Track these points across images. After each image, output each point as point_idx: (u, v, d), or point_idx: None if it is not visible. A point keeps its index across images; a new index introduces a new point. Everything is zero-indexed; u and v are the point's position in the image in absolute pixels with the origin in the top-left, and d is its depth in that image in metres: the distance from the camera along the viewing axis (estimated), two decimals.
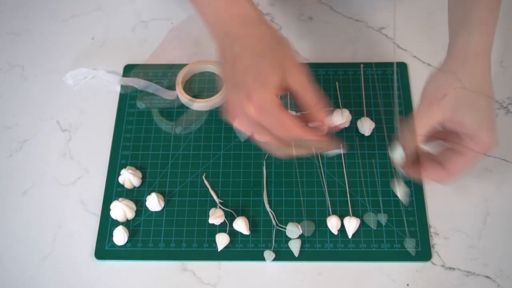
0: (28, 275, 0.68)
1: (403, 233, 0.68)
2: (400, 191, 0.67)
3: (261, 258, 0.67)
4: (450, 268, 0.66)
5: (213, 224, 0.69)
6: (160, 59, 0.83)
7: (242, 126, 0.58)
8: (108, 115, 0.78)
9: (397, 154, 0.60)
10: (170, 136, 0.76)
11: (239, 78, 0.56)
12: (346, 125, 0.70)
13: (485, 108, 0.58)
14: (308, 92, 0.58)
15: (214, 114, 0.77)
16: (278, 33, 0.60)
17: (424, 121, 0.59)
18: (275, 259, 0.67)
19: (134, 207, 0.70)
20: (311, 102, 0.58)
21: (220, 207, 0.70)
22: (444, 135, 0.62)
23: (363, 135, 0.74)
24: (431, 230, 0.69)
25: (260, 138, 0.58)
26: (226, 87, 0.59)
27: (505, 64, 0.81)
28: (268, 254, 0.66)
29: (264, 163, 0.73)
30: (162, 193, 0.71)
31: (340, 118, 0.71)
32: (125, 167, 0.72)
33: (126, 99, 0.79)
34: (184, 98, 0.77)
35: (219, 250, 0.67)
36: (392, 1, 0.66)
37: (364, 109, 0.76)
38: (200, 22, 0.88)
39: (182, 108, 0.78)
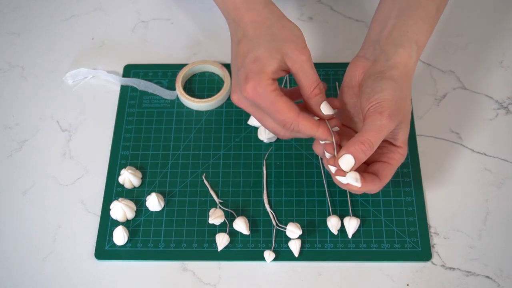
0: (28, 275, 0.68)
1: (403, 233, 0.68)
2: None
3: (261, 258, 0.67)
4: (450, 268, 0.66)
5: (213, 224, 0.69)
6: (160, 59, 0.83)
7: (241, 105, 0.61)
8: (108, 115, 0.78)
9: (346, 164, 0.57)
10: (170, 136, 0.76)
11: (240, 62, 0.59)
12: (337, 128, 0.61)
13: (409, 124, 0.61)
14: (305, 75, 0.58)
15: (214, 114, 0.77)
16: (283, 17, 0.61)
17: (384, 133, 0.57)
18: (275, 259, 0.67)
19: (134, 207, 0.70)
20: (306, 84, 0.58)
21: (220, 207, 0.70)
22: None
23: None
24: (431, 230, 0.69)
25: (260, 121, 0.61)
26: (231, 70, 0.62)
27: (505, 64, 0.81)
28: (268, 254, 0.66)
29: (264, 163, 0.73)
30: (162, 193, 0.71)
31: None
32: (125, 167, 0.72)
33: (126, 99, 0.79)
34: (184, 98, 0.77)
35: (219, 250, 0.67)
36: None
37: None
38: (200, 22, 0.88)
39: (182, 108, 0.78)
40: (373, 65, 0.61)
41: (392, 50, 0.61)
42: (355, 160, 0.56)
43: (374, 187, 0.59)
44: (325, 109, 0.59)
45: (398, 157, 0.60)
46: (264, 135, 0.73)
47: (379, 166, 0.61)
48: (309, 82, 0.58)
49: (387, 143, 0.61)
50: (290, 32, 0.59)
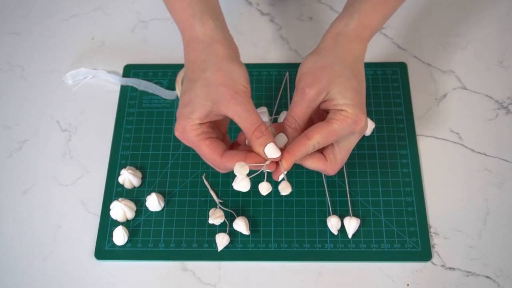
0: (28, 275, 0.68)
1: (403, 233, 0.68)
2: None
3: (261, 258, 0.67)
4: (450, 268, 0.66)
5: (213, 224, 0.69)
6: (160, 59, 0.83)
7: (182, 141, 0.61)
8: (108, 115, 0.78)
9: (280, 141, 0.59)
10: (170, 136, 0.76)
11: (179, 101, 0.60)
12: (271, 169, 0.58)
13: (354, 88, 0.59)
14: (241, 119, 0.57)
15: None
16: (224, 59, 0.58)
17: (303, 106, 0.58)
18: (275, 259, 0.67)
19: (134, 207, 0.70)
20: (244, 128, 0.57)
21: (220, 207, 0.70)
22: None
23: (363, 135, 0.74)
24: (431, 230, 0.69)
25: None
26: None
27: (505, 64, 0.81)
28: (265, 186, 0.59)
29: None
30: (162, 193, 0.71)
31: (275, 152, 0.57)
32: (125, 167, 0.72)
33: (126, 99, 0.79)
34: None
35: (219, 250, 0.67)
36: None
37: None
38: None
39: None
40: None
41: (332, 24, 0.63)
42: (287, 138, 0.59)
43: (300, 147, 0.57)
44: (269, 152, 0.56)
45: (339, 117, 0.57)
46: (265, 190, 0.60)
47: (312, 127, 0.58)
48: (246, 125, 0.57)
49: (333, 111, 0.59)
50: (225, 75, 0.57)
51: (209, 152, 0.58)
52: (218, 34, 0.60)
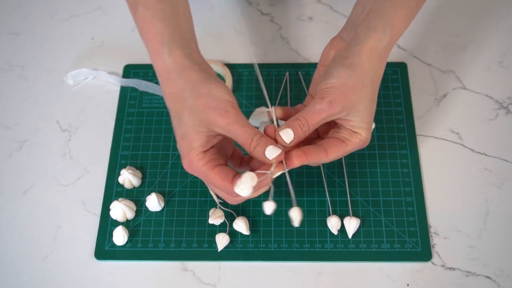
0: (28, 275, 0.68)
1: (403, 233, 0.68)
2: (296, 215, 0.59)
3: (261, 258, 0.67)
4: (450, 268, 0.66)
5: (213, 224, 0.69)
6: None
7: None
8: (108, 115, 0.78)
9: (286, 136, 0.59)
10: (170, 136, 0.76)
11: (175, 136, 0.60)
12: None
13: (372, 111, 0.61)
14: (236, 136, 0.57)
15: None
16: (200, 82, 0.58)
17: (322, 117, 0.59)
18: (275, 260, 0.67)
19: (134, 207, 0.70)
20: (242, 143, 0.57)
21: (220, 207, 0.70)
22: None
23: None
24: (431, 230, 0.69)
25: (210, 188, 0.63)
26: None
27: (505, 64, 0.81)
28: (268, 205, 0.59)
29: None
30: (162, 193, 0.71)
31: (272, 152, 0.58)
32: (125, 167, 0.72)
33: (126, 99, 0.79)
34: None
35: (219, 250, 0.67)
36: None
37: None
38: (200, 21, 0.88)
39: None
40: (344, 48, 0.62)
41: (364, 33, 0.61)
42: (294, 134, 0.59)
43: (317, 159, 0.59)
44: (270, 153, 0.57)
45: (354, 140, 0.60)
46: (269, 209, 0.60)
47: (330, 141, 0.61)
48: (243, 140, 0.57)
49: (345, 129, 0.61)
50: (208, 98, 0.57)
51: (219, 180, 0.58)
52: (187, 60, 0.59)
